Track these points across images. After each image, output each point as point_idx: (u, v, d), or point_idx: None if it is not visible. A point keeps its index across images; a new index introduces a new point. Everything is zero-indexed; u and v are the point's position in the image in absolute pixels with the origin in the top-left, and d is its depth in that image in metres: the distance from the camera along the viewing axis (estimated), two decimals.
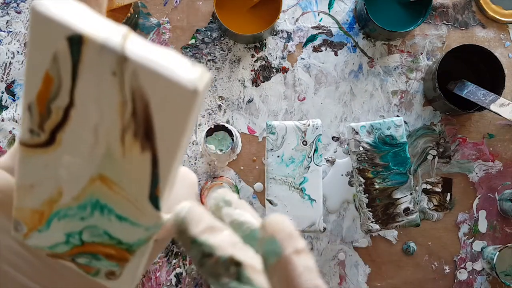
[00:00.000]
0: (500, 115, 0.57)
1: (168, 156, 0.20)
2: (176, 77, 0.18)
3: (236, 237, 0.20)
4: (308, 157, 0.56)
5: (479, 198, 0.66)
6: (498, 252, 0.60)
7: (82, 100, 0.20)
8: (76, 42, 0.18)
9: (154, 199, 0.21)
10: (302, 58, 0.67)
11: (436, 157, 0.66)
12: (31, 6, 0.18)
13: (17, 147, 0.24)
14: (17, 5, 0.68)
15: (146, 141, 0.20)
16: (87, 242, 0.23)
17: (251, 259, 0.19)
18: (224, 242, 0.19)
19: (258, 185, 0.66)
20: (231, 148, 0.62)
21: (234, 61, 0.67)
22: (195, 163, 0.66)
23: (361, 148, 0.56)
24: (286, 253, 0.18)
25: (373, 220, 0.57)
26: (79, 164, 0.21)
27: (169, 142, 0.19)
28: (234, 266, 0.18)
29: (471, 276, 0.65)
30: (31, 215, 0.22)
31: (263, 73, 0.67)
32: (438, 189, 0.66)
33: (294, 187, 0.55)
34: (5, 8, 0.67)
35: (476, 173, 0.66)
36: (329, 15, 0.68)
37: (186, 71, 0.18)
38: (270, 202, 0.55)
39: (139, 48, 0.18)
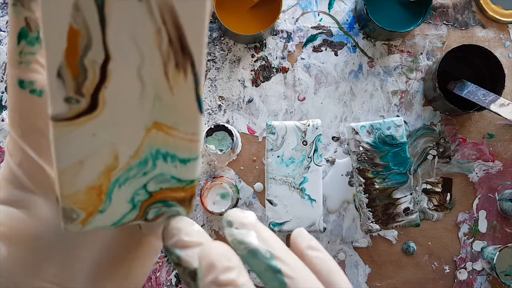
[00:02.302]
0: (500, 115, 0.57)
1: (199, 54, 0.20)
2: None
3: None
4: (308, 157, 0.56)
5: (479, 198, 0.66)
6: (498, 252, 0.60)
7: (117, 46, 0.18)
8: None
9: (199, 102, 0.21)
10: (302, 58, 0.67)
11: (436, 157, 0.66)
12: None
13: (7, 166, 0.23)
14: None
15: (185, 59, 0.19)
16: (155, 192, 0.22)
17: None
18: (191, 257, 0.20)
19: (258, 185, 0.66)
20: (231, 148, 0.62)
21: (234, 61, 0.67)
22: None
23: (361, 148, 0.56)
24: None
25: (373, 220, 0.57)
26: (131, 118, 0.20)
27: (198, 43, 0.19)
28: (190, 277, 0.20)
29: (471, 276, 0.65)
30: (87, 195, 0.20)
31: (263, 73, 0.67)
32: (438, 189, 0.66)
33: (294, 187, 0.55)
34: (5, 8, 0.67)
35: (476, 173, 0.66)
36: (329, 15, 0.68)
37: None
38: (270, 202, 0.55)
39: None
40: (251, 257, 0.20)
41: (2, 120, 0.66)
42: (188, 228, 0.21)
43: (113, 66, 0.18)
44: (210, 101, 0.67)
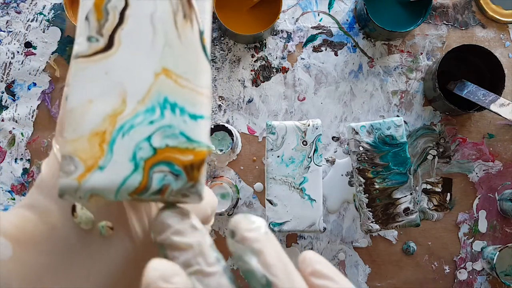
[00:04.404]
0: (500, 115, 0.57)
1: (203, 10, 0.23)
2: None
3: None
4: (308, 157, 0.56)
5: (479, 198, 0.66)
6: (498, 252, 0.60)
7: None
8: None
9: (205, 51, 0.22)
10: (302, 58, 0.67)
11: (436, 157, 0.66)
12: None
13: (38, 181, 0.23)
14: (17, 5, 0.68)
15: (191, 11, 0.22)
16: (160, 149, 0.21)
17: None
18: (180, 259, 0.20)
19: (258, 185, 0.66)
20: (231, 148, 0.62)
21: (234, 61, 0.67)
22: None
23: (361, 148, 0.56)
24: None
25: (373, 220, 0.57)
26: (142, 61, 0.21)
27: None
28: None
29: (471, 276, 0.65)
30: (90, 142, 0.20)
31: (263, 73, 0.67)
32: (438, 189, 0.66)
33: (294, 187, 0.55)
34: (5, 8, 0.67)
35: (476, 173, 0.66)
36: (329, 15, 0.68)
37: None
38: (270, 202, 0.55)
39: None
40: (247, 276, 0.20)
41: (2, 120, 0.66)
42: (180, 225, 0.20)
43: (130, 12, 0.22)
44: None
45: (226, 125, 0.62)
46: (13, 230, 0.22)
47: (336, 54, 0.67)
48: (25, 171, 0.66)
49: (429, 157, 0.66)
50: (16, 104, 0.67)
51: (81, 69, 0.21)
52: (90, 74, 0.21)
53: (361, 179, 0.57)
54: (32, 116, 0.66)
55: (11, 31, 0.67)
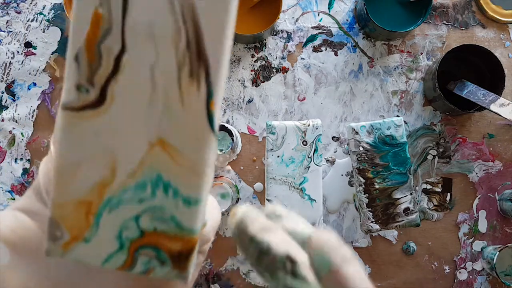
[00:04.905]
0: (500, 115, 0.57)
1: (216, 61, 0.19)
2: None
3: (288, 237, 0.21)
4: (308, 157, 0.56)
5: (479, 198, 0.66)
6: (498, 252, 0.60)
7: (134, 37, 0.18)
8: None
9: (211, 121, 0.19)
10: (302, 58, 0.67)
11: (436, 157, 0.66)
12: None
13: (36, 184, 0.23)
14: (17, 5, 0.68)
15: (200, 66, 0.18)
16: (148, 231, 0.19)
17: (304, 257, 0.20)
18: (280, 240, 0.20)
19: (258, 185, 0.66)
20: (231, 148, 0.62)
21: (234, 61, 0.67)
22: None
23: (361, 148, 0.56)
24: (335, 264, 0.19)
25: (373, 220, 0.56)
26: (136, 125, 0.19)
27: (216, 49, 0.18)
28: (289, 263, 0.19)
29: (471, 276, 0.65)
30: (76, 210, 0.19)
31: (263, 73, 0.67)
32: (438, 189, 0.66)
33: (294, 187, 0.55)
34: (5, 8, 0.67)
35: (476, 173, 0.66)
36: (329, 15, 0.68)
37: None
38: (270, 202, 0.55)
39: None
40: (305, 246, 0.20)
41: (2, 120, 0.66)
42: (266, 210, 0.21)
43: (127, 59, 0.18)
44: None
45: (226, 125, 0.62)
46: (11, 236, 0.21)
47: (336, 54, 0.67)
48: (25, 171, 0.66)
49: (429, 157, 0.66)
50: (16, 104, 0.67)
51: (70, 125, 0.19)
52: (78, 133, 0.19)
53: (361, 179, 0.57)
54: (32, 116, 0.66)
55: (11, 31, 0.67)
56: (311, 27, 0.67)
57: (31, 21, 0.67)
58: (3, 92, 0.66)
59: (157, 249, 0.20)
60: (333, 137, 0.66)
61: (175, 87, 0.19)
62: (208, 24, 0.18)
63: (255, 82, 0.67)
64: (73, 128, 0.19)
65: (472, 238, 0.66)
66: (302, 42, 0.67)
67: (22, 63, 0.67)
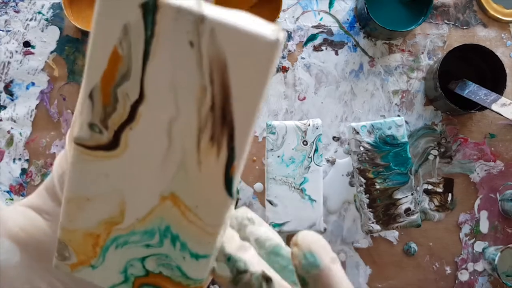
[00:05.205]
0: (502, 115, 0.57)
1: (242, 128, 0.17)
2: (256, 30, 0.16)
3: (259, 257, 0.21)
4: (309, 157, 0.55)
5: (480, 199, 0.66)
6: (499, 253, 0.60)
7: (154, 88, 0.17)
8: (151, 9, 0.16)
9: (229, 188, 0.18)
10: (302, 58, 0.67)
11: (437, 157, 0.66)
12: None
13: (51, 176, 0.22)
14: (16, 4, 0.67)
15: (223, 130, 0.17)
16: (152, 273, 0.19)
17: (276, 275, 0.20)
18: (254, 259, 0.20)
19: (258, 185, 0.65)
20: None
21: None
22: None
23: (361, 148, 0.56)
24: (325, 263, 0.19)
25: (374, 220, 0.56)
26: (149, 177, 0.18)
27: (246, 114, 0.17)
28: (265, 282, 0.19)
29: (472, 277, 0.65)
30: (84, 239, 0.19)
31: None
32: (439, 190, 0.66)
33: (294, 187, 0.55)
34: (4, 7, 0.67)
35: (478, 173, 0.66)
36: (330, 14, 0.67)
37: (263, 25, 0.17)
38: (270, 202, 0.55)
39: (213, 8, 0.16)
40: (275, 254, 0.21)
41: (0, 120, 0.66)
42: (234, 232, 0.21)
43: (144, 109, 0.17)
44: None
45: None
46: (21, 235, 0.21)
47: (336, 54, 0.67)
48: (24, 171, 0.66)
49: (430, 157, 0.66)
50: (15, 104, 0.66)
51: (81, 160, 0.18)
52: (89, 170, 0.18)
53: (362, 179, 0.56)
54: (31, 116, 0.66)
55: (9, 31, 0.67)
56: (312, 26, 0.67)
57: (29, 21, 0.67)
58: (1, 92, 0.66)
59: None
60: (333, 137, 0.66)
61: (194, 148, 0.17)
62: (239, 88, 0.17)
63: None
64: (84, 164, 0.18)
65: (474, 239, 0.65)
66: (303, 41, 0.67)
67: (20, 63, 0.66)
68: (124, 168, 0.18)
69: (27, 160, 0.66)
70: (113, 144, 0.18)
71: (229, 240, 0.20)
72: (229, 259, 0.20)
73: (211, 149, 0.17)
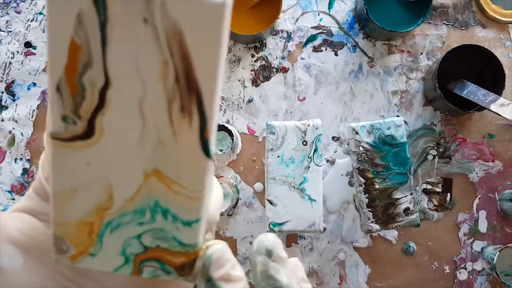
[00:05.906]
0: (500, 115, 0.57)
1: (208, 90, 0.17)
2: None
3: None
4: (308, 157, 0.56)
5: (479, 198, 0.66)
6: (498, 252, 0.60)
7: (118, 71, 0.17)
8: None
9: (206, 151, 0.18)
10: (302, 58, 0.67)
11: (436, 157, 0.66)
12: None
13: (38, 177, 0.22)
14: (17, 5, 0.68)
15: (191, 97, 0.17)
16: (150, 248, 0.19)
17: None
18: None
19: (258, 185, 0.65)
20: (231, 148, 0.62)
21: (234, 61, 0.67)
22: None
23: (361, 148, 0.56)
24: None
25: (373, 220, 0.56)
26: (129, 158, 0.18)
27: (209, 77, 0.17)
28: None
29: (471, 276, 0.65)
30: (78, 229, 0.19)
31: (263, 73, 0.67)
32: (438, 189, 0.66)
33: (294, 187, 0.55)
34: (5, 8, 0.67)
35: (476, 173, 0.66)
36: (329, 15, 0.68)
37: None
38: (270, 202, 0.55)
39: None
40: None
41: (2, 120, 0.66)
42: (233, 260, 0.21)
43: (113, 93, 0.17)
44: None
45: (226, 125, 0.62)
46: (22, 238, 0.21)
47: (336, 54, 0.67)
48: (25, 171, 0.66)
49: (429, 157, 0.66)
50: (16, 104, 0.66)
51: (60, 154, 0.18)
52: (70, 162, 0.18)
53: (361, 179, 0.56)
54: (32, 116, 0.66)
55: (11, 31, 0.67)
56: (311, 27, 0.67)
57: (31, 21, 0.67)
58: (2, 92, 0.66)
59: (161, 262, 0.20)
60: (333, 137, 0.66)
61: (167, 122, 0.18)
62: (198, 54, 0.17)
63: (255, 82, 0.67)
64: (63, 156, 0.18)
65: (472, 238, 0.65)
66: (302, 42, 0.67)
67: (22, 63, 0.67)
68: (103, 154, 0.18)
69: (28, 160, 0.66)
70: (88, 132, 0.18)
71: (218, 265, 0.20)
72: (208, 281, 0.20)
73: (183, 119, 0.18)
